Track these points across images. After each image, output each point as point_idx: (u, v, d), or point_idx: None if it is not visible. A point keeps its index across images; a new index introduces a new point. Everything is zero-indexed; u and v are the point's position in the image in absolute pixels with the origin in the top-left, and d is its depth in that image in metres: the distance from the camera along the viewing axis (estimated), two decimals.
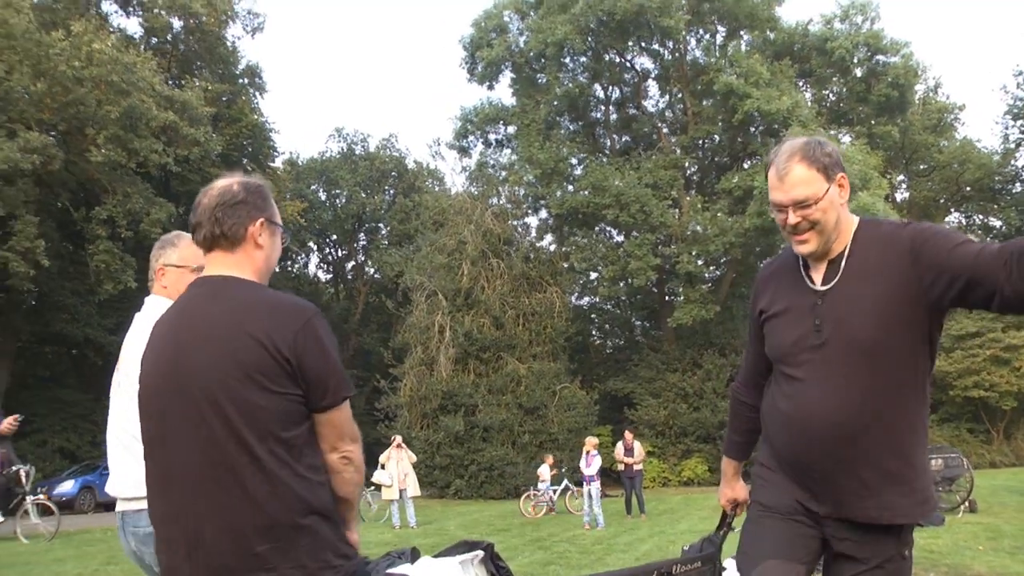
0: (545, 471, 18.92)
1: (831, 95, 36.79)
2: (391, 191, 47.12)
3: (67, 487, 24.16)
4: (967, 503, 13.00)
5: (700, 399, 30.12)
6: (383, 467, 16.65)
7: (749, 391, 2.57)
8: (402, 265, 41.18)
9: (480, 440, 27.50)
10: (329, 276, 51.36)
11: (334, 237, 48.53)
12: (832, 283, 2.24)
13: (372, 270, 48.80)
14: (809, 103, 34.56)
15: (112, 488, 2.86)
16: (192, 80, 27.21)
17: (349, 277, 50.40)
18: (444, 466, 27.17)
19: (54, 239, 23.37)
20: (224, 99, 30.10)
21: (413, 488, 16.41)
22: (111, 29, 28.09)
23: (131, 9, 30.48)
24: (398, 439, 17.63)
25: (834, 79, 35.57)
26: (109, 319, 27.68)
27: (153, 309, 2.85)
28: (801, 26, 34.56)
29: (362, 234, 48.74)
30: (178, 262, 2.94)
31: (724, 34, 34.76)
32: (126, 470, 2.77)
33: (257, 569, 1.82)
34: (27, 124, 20.59)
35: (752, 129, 31.54)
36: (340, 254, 50.22)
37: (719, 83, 29.31)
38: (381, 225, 48.16)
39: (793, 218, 2.23)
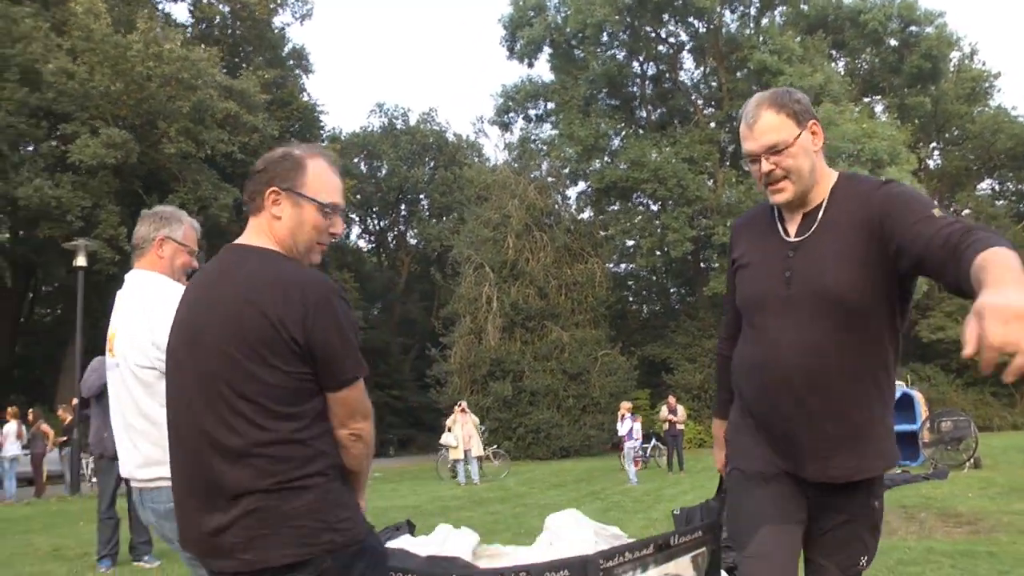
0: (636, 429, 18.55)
1: (864, 66, 37.89)
2: (431, 164, 48.92)
3: None
4: (972, 460, 14.69)
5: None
6: (449, 430, 18.61)
7: (732, 346, 2.51)
8: (445, 236, 43.30)
9: (527, 404, 29.52)
10: (371, 246, 53.42)
11: (376, 209, 50.54)
12: (805, 235, 2.24)
13: (414, 241, 50.85)
14: (841, 75, 35.74)
15: (124, 470, 2.86)
16: (248, 69, 29.14)
17: (392, 247, 52.38)
18: (493, 429, 29.22)
19: (129, 225, 25.50)
20: (274, 84, 31.87)
21: (477, 448, 18.40)
22: (171, 22, 30.11)
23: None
24: (463, 404, 19.56)
25: (867, 50, 36.68)
26: None
27: (143, 286, 2.85)
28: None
29: (403, 206, 50.67)
30: (182, 240, 2.94)
31: (758, 6, 35.87)
32: (130, 451, 2.80)
33: (254, 527, 1.87)
34: (107, 121, 22.65)
35: None
36: (382, 225, 52.21)
37: (753, 60, 30.66)
38: (422, 197, 50.09)
39: (766, 165, 2.21)
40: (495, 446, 22.73)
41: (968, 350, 1.42)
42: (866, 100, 39.11)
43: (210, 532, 1.91)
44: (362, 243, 52.89)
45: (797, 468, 2.25)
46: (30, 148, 23.38)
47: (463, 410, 18.99)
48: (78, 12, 21.90)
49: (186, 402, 1.96)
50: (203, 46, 25.18)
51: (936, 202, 2.18)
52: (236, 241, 2.07)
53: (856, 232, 2.15)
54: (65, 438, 18.68)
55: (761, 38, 33.19)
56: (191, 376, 1.95)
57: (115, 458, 3.37)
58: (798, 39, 33.53)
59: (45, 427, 18.49)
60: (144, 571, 7.48)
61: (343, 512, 1.92)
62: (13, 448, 17.48)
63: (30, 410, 19.25)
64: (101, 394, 6.86)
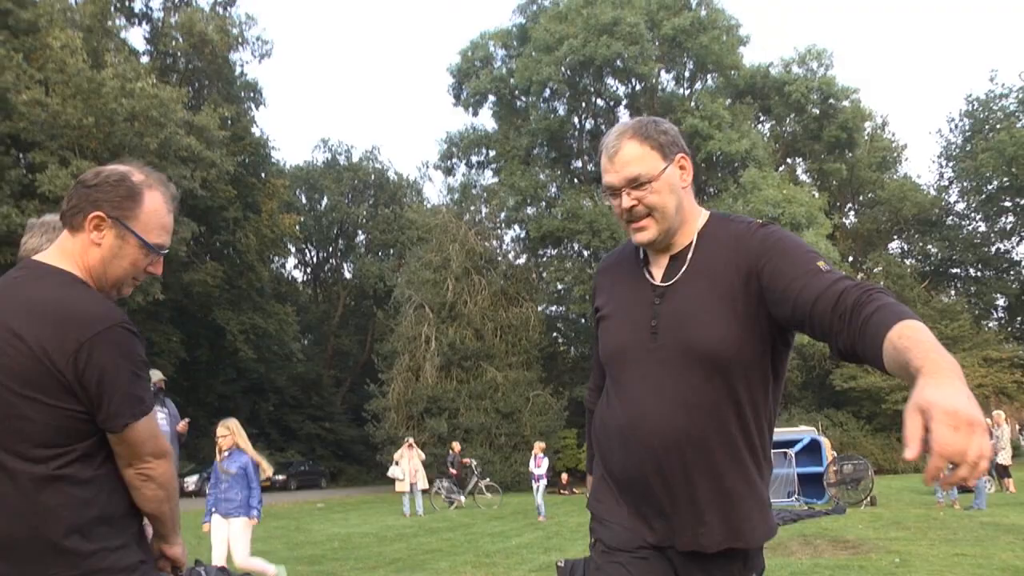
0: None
1: (788, 131, 40.94)
2: (372, 201, 50.48)
3: None
4: (869, 498, 16.84)
5: None
6: (396, 464, 20.07)
7: (600, 397, 2.27)
8: (384, 273, 44.79)
9: (461, 441, 30.99)
10: (307, 278, 54.47)
11: (314, 241, 51.76)
12: (673, 280, 2.02)
13: (350, 275, 52.13)
14: (767, 139, 38.74)
15: None
16: (206, 103, 30.45)
17: (328, 281, 53.53)
18: (428, 464, 30.63)
19: None
20: (228, 118, 33.14)
21: (422, 482, 19.90)
22: (129, 51, 31.22)
23: (140, 26, 33.76)
24: (410, 440, 21.08)
25: (790, 117, 39.69)
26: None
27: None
28: (763, 68, 38.54)
29: (341, 240, 52.01)
30: None
31: (692, 69, 38.51)
32: None
33: None
34: (75, 152, 23.75)
35: (715, 167, 35.44)
36: (319, 257, 53.39)
37: (685, 124, 33.16)
38: (360, 232, 51.55)
39: (627, 201, 2.00)
40: (487, 479, 24.24)
41: (911, 453, 1.33)
42: (789, 161, 42.32)
43: None
44: (297, 274, 54.02)
45: (663, 539, 2.02)
46: None
47: (410, 445, 20.48)
48: (55, 46, 23.06)
49: None
50: (169, 85, 26.42)
51: (819, 253, 1.94)
52: (37, 256, 1.92)
53: (729, 278, 1.94)
54: None
55: (694, 103, 35.93)
56: None
57: None
58: (728, 102, 36.38)
59: None
60: None
61: (97, 562, 1.76)
62: None
63: None
64: None
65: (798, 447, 18.42)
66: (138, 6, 35.90)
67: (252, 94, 38.86)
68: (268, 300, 38.54)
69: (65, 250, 1.89)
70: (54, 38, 23.24)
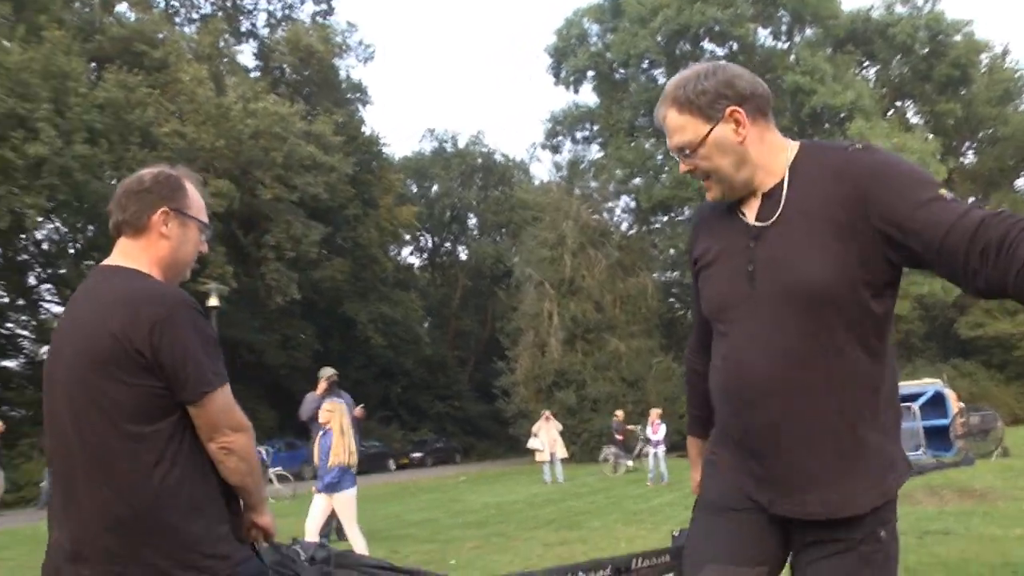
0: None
1: (894, 74, 40.10)
2: (481, 183, 51.94)
3: None
4: (1000, 448, 17.13)
5: None
6: (535, 436, 21.38)
7: (701, 356, 2.18)
8: (499, 253, 46.29)
9: (589, 411, 32.26)
10: (423, 263, 56.44)
11: (428, 227, 53.65)
12: (769, 220, 1.88)
13: (466, 257, 53.81)
14: (872, 86, 38.11)
15: None
16: (317, 111, 32.28)
17: (445, 264, 55.37)
18: (561, 434, 32.01)
19: (234, 264, 28.78)
20: (340, 121, 34.95)
21: (561, 451, 21.17)
22: (239, 69, 33.36)
23: (248, 43, 35.91)
24: (547, 413, 22.39)
25: (896, 60, 38.89)
26: (256, 321, 33.18)
27: None
28: (863, 12, 37.88)
29: (455, 224, 53.72)
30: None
31: (788, 22, 38.09)
32: None
33: (106, 561, 1.87)
34: (211, 172, 25.87)
35: (820, 121, 35.23)
36: (434, 243, 55.24)
37: (787, 81, 33.13)
38: (471, 215, 53.17)
39: (684, 167, 1.98)
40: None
41: None
42: (898, 105, 41.46)
43: (70, 563, 1.93)
44: (413, 260, 56.08)
45: (771, 503, 1.93)
46: None
47: (547, 418, 21.75)
48: (185, 80, 25.18)
49: (58, 428, 1.98)
50: (283, 99, 28.34)
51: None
52: (105, 261, 2.11)
53: (829, 212, 1.80)
54: None
55: (793, 58, 35.70)
56: (61, 399, 1.97)
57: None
58: (829, 52, 35.97)
59: None
60: None
61: (203, 549, 1.91)
62: None
63: None
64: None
65: (922, 400, 18.66)
66: (244, 26, 38.17)
67: (358, 94, 40.66)
68: (392, 289, 40.52)
69: (129, 253, 2.08)
70: (183, 72, 25.36)
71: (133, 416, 1.89)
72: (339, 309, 37.33)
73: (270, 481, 19.78)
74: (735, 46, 36.68)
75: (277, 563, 2.65)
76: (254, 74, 35.76)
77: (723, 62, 2.01)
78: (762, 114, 1.94)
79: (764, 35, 38.54)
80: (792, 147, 1.95)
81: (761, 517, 1.96)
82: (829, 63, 34.46)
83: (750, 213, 1.94)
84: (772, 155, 1.93)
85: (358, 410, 10.84)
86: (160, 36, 27.58)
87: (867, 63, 40.14)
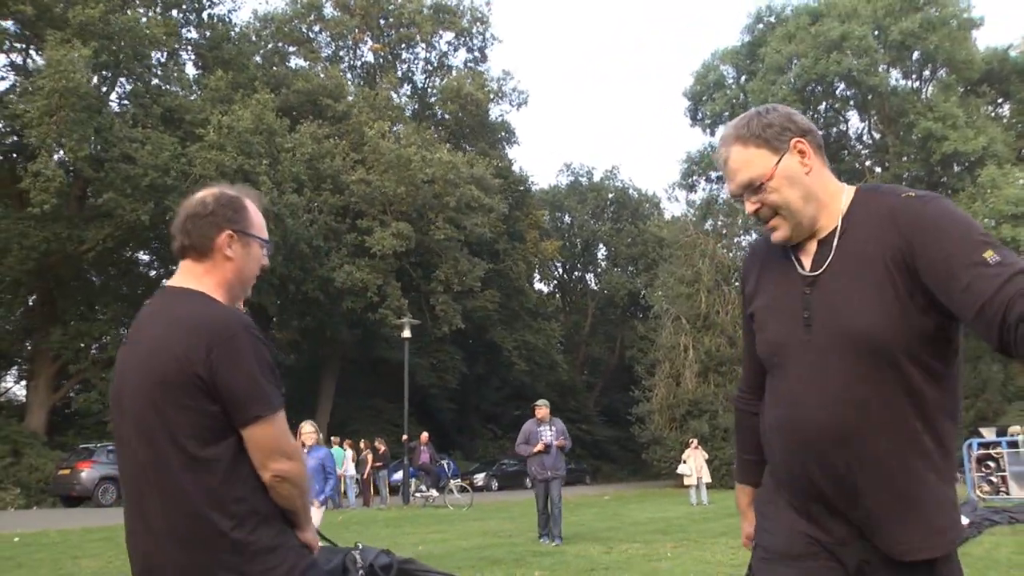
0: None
1: None
2: (613, 216, 54.97)
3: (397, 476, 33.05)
4: None
5: None
6: (684, 462, 24.07)
7: (753, 397, 2.19)
8: (630, 284, 49.12)
9: (721, 440, 34.64)
10: (552, 291, 59.71)
11: (561, 256, 56.96)
12: (823, 267, 1.91)
13: (596, 287, 56.83)
14: (1006, 122, 39.17)
15: None
16: (472, 152, 35.95)
17: (578, 293, 58.51)
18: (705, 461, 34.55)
19: (409, 299, 32.74)
20: (496, 164, 38.52)
21: (706, 476, 23.82)
22: (397, 108, 37.38)
23: (406, 87, 40.00)
24: (695, 441, 25.05)
25: None
26: (414, 345, 36.89)
27: None
28: (1000, 52, 39.13)
29: (586, 255, 56.88)
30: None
31: (919, 65, 39.43)
32: None
33: (180, 574, 1.97)
34: (391, 215, 29.75)
35: (950, 166, 36.69)
36: (566, 272, 58.46)
37: (919, 128, 34.88)
38: (603, 246, 56.23)
39: (750, 207, 1.99)
40: None
41: None
42: None
43: None
44: (543, 287, 59.45)
45: (843, 541, 1.92)
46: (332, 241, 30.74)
47: (696, 446, 24.43)
48: (370, 135, 29.24)
49: (127, 448, 2.07)
50: (461, 152, 32.16)
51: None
52: (168, 283, 2.21)
53: (882, 257, 1.82)
54: (381, 463, 25.23)
55: (924, 100, 37.26)
56: (128, 421, 2.06)
57: None
58: (961, 91, 37.09)
59: (368, 454, 25.17)
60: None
61: (266, 561, 2.00)
62: (350, 469, 24.15)
63: (362, 440, 26.01)
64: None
65: None
66: (400, 71, 42.26)
67: (506, 134, 44.28)
68: (535, 318, 43.89)
69: (194, 274, 2.17)
70: (368, 127, 29.46)
71: (196, 438, 1.98)
72: (486, 336, 40.87)
73: (451, 491, 23.11)
74: (870, 96, 38.56)
75: (330, 571, 2.71)
76: (409, 115, 39.83)
77: (776, 104, 2.08)
78: (821, 151, 1.97)
79: (896, 75, 40.12)
80: (848, 192, 1.96)
81: (824, 559, 1.93)
82: (961, 109, 35.87)
83: (806, 259, 1.95)
84: (831, 196, 1.95)
85: (559, 440, 13.00)
86: (347, 92, 31.61)
87: (1000, 101, 41.14)
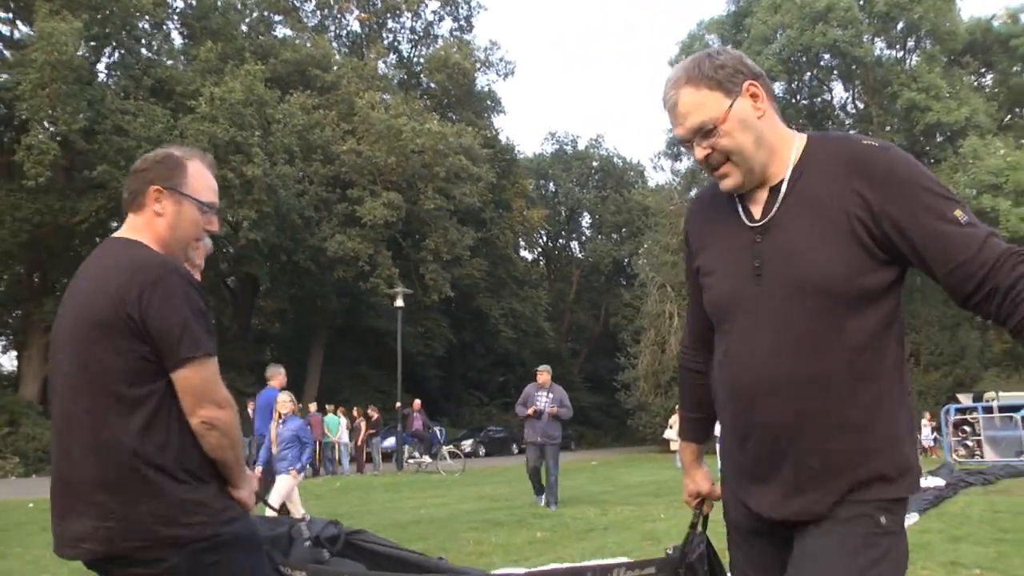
0: None
1: (1013, 85, 41.34)
2: (598, 185, 55.39)
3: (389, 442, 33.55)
4: None
5: None
6: (671, 427, 24.72)
7: (698, 353, 2.11)
8: (615, 252, 49.67)
9: None
10: (536, 258, 60.18)
11: (546, 225, 57.40)
12: (771, 214, 1.82)
13: (581, 255, 57.34)
14: (988, 91, 39.73)
15: None
16: (460, 123, 36.20)
17: (562, 261, 59.01)
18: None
19: (399, 268, 33.12)
20: (484, 133, 38.79)
21: None
22: (384, 79, 37.58)
23: (391, 57, 40.18)
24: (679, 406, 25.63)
25: (1016, 69, 40.21)
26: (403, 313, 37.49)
27: None
28: (983, 22, 39.64)
29: (571, 223, 57.33)
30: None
31: (902, 35, 39.74)
32: None
33: (97, 518, 1.96)
34: (381, 186, 30.09)
35: (933, 137, 37.26)
36: (551, 242, 58.92)
37: (902, 99, 35.39)
38: (587, 214, 56.69)
39: (700, 151, 1.86)
40: None
41: None
42: (1018, 111, 42.58)
43: (61, 518, 2.04)
44: (527, 255, 59.88)
45: (772, 506, 1.83)
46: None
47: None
48: (360, 105, 29.49)
49: (58, 388, 2.11)
50: (450, 123, 32.45)
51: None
52: (116, 233, 2.25)
53: (839, 204, 1.74)
54: (374, 431, 25.75)
55: (909, 72, 37.69)
56: (62, 361, 2.10)
57: None
58: (945, 62, 37.47)
59: (362, 422, 25.69)
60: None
61: (185, 509, 1.98)
62: (344, 436, 24.64)
63: (355, 408, 26.51)
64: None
65: None
66: (386, 40, 42.27)
67: (491, 103, 44.48)
68: (522, 286, 44.43)
69: (135, 227, 2.21)
70: (358, 97, 29.69)
71: (124, 380, 1.99)
72: (472, 304, 41.39)
73: (443, 457, 23.68)
74: (855, 67, 38.97)
75: (273, 539, 2.65)
76: (396, 85, 39.96)
77: (726, 47, 2.00)
78: (772, 97, 1.88)
79: (880, 46, 40.46)
80: (800, 139, 1.87)
81: (773, 534, 1.87)
82: (944, 80, 36.35)
83: (755, 208, 1.86)
84: (783, 143, 1.86)
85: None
86: (335, 62, 31.77)
87: (984, 71, 41.59)
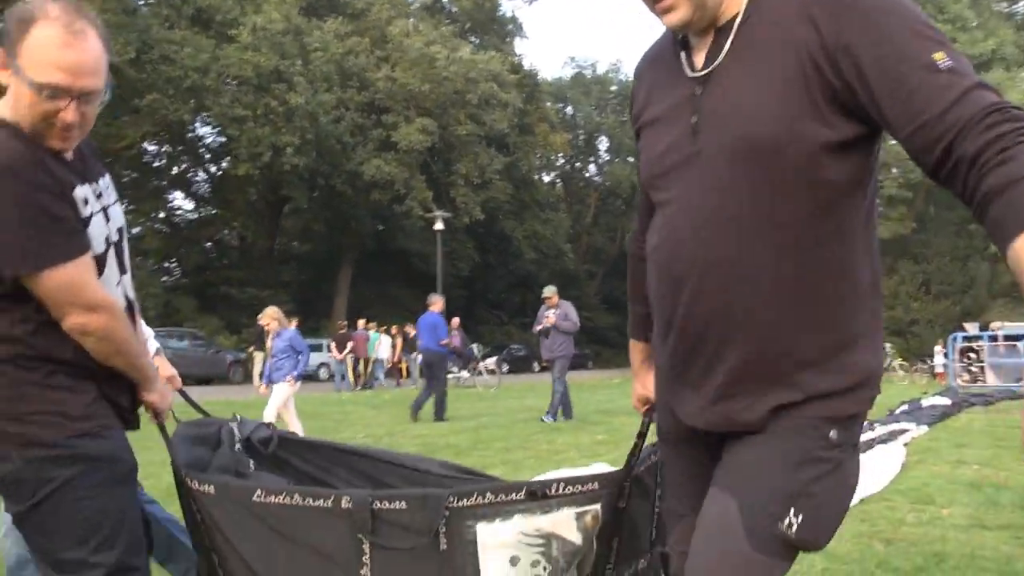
0: None
1: None
2: (617, 109, 56.11)
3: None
4: None
5: (895, 299, 38.62)
6: None
7: (644, 238, 1.76)
8: (633, 177, 50.62)
9: None
10: (553, 180, 61.29)
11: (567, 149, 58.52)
12: (717, 61, 1.51)
13: (599, 179, 58.37)
14: (1016, 25, 39.94)
15: None
16: (494, 51, 37.09)
17: (580, 184, 60.09)
18: None
19: (435, 192, 34.49)
20: (509, 58, 39.63)
21: None
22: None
23: None
24: None
25: None
26: (428, 234, 39.03)
27: None
28: None
29: (588, 146, 58.30)
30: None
31: None
32: None
33: None
34: (415, 112, 31.26)
35: None
36: (568, 164, 59.91)
37: None
38: (605, 138, 57.56)
39: None
40: None
41: None
42: None
43: None
44: (545, 177, 60.95)
45: (701, 410, 1.57)
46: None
47: None
48: (394, 33, 30.50)
49: None
50: (480, 50, 33.39)
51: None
52: None
53: (793, 49, 1.41)
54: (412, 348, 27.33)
55: (935, 2, 38.02)
56: None
57: None
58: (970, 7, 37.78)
59: (399, 339, 27.30)
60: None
61: (51, 413, 1.86)
62: (382, 352, 26.19)
63: (393, 326, 28.09)
64: None
65: None
66: None
67: (512, 28, 45.17)
68: (544, 209, 45.79)
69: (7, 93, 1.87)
70: (395, 26, 30.68)
71: None
72: (496, 226, 42.78)
73: (479, 373, 25.17)
74: None
75: (203, 438, 2.51)
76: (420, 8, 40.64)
77: None
78: None
79: None
80: None
81: (690, 445, 1.67)
82: (973, 7, 36.60)
83: (700, 55, 1.55)
84: None
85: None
86: None
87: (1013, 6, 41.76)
